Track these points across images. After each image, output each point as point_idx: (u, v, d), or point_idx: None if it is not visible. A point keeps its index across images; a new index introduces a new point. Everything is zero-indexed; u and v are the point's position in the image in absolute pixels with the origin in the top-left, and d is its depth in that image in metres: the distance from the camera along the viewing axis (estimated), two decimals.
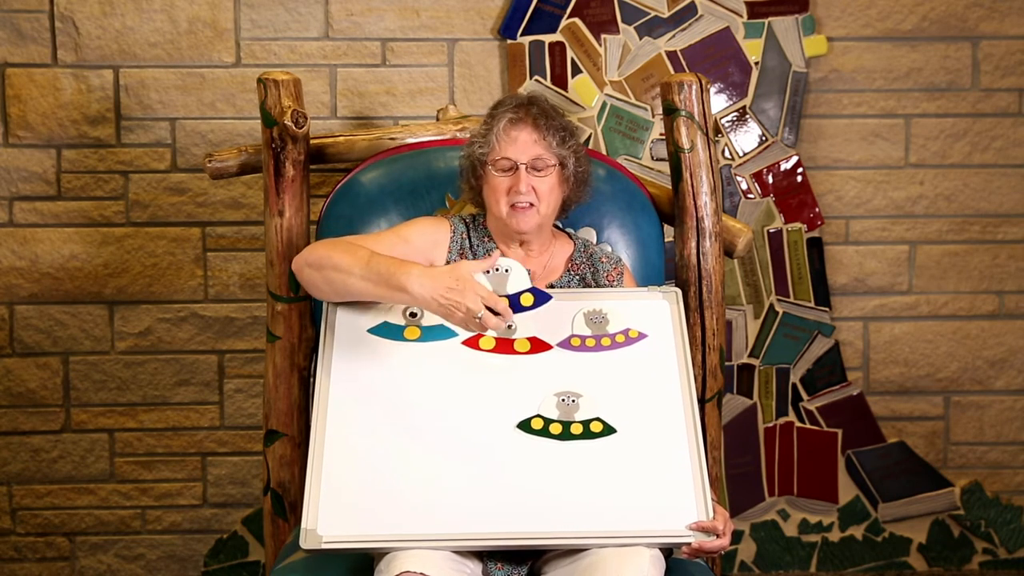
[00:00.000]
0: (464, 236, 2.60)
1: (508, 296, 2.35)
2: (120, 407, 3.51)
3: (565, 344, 2.44)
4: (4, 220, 3.44)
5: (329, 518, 2.21)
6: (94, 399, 3.50)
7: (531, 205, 2.51)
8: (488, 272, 2.38)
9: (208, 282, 3.49)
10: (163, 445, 3.52)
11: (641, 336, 2.47)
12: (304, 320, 2.82)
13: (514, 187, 2.50)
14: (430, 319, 2.45)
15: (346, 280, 2.40)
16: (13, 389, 3.48)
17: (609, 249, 2.77)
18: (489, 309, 2.28)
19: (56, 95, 3.41)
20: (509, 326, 2.35)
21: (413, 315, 2.45)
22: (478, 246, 2.60)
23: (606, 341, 2.45)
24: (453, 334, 2.44)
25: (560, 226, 2.73)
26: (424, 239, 2.57)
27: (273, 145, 2.77)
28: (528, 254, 2.60)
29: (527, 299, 2.37)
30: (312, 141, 2.90)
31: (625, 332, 2.47)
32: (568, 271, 2.63)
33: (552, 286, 2.58)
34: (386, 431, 2.32)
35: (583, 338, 2.45)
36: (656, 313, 2.50)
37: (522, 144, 2.51)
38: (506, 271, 2.39)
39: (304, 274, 2.47)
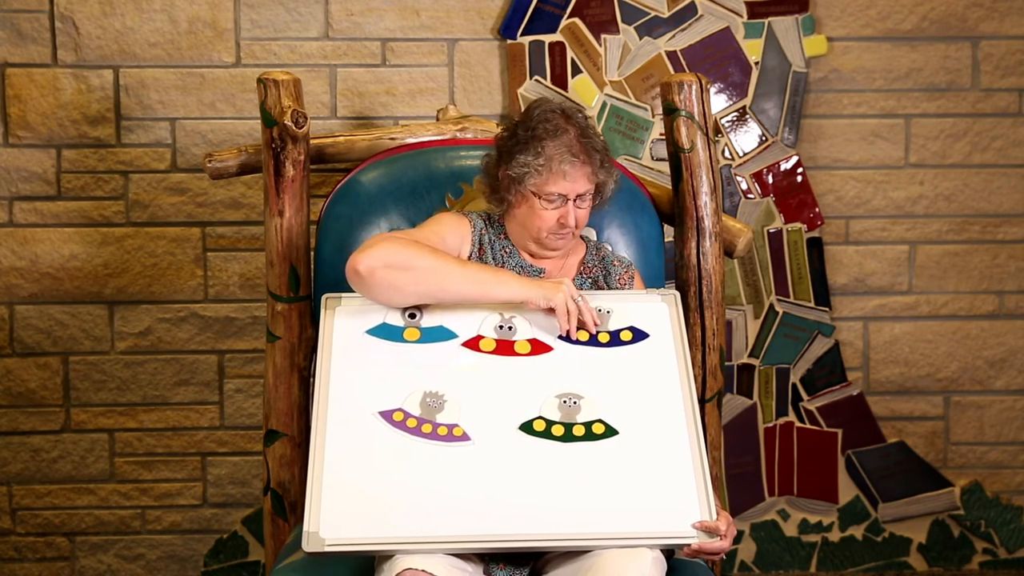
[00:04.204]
0: (483, 232, 2.60)
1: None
2: (120, 407, 3.51)
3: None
4: (4, 220, 3.44)
5: (331, 521, 2.20)
6: (94, 399, 3.50)
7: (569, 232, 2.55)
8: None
9: (208, 282, 3.49)
10: (163, 445, 3.52)
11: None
12: (304, 320, 2.82)
13: (561, 219, 2.51)
14: (429, 320, 2.45)
15: (443, 281, 2.41)
16: (13, 389, 3.48)
17: (621, 253, 2.77)
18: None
19: (56, 95, 3.40)
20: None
21: (412, 316, 2.45)
22: (495, 242, 2.60)
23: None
24: (453, 335, 2.43)
25: None
26: (454, 237, 2.58)
27: (273, 145, 2.76)
28: (547, 256, 2.61)
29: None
30: (312, 141, 2.90)
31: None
32: (580, 274, 2.63)
33: None
34: (387, 433, 2.32)
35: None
36: (655, 316, 2.50)
37: (577, 182, 2.50)
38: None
39: (378, 275, 2.38)
